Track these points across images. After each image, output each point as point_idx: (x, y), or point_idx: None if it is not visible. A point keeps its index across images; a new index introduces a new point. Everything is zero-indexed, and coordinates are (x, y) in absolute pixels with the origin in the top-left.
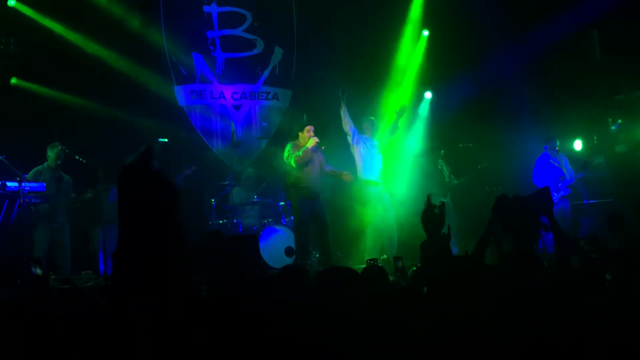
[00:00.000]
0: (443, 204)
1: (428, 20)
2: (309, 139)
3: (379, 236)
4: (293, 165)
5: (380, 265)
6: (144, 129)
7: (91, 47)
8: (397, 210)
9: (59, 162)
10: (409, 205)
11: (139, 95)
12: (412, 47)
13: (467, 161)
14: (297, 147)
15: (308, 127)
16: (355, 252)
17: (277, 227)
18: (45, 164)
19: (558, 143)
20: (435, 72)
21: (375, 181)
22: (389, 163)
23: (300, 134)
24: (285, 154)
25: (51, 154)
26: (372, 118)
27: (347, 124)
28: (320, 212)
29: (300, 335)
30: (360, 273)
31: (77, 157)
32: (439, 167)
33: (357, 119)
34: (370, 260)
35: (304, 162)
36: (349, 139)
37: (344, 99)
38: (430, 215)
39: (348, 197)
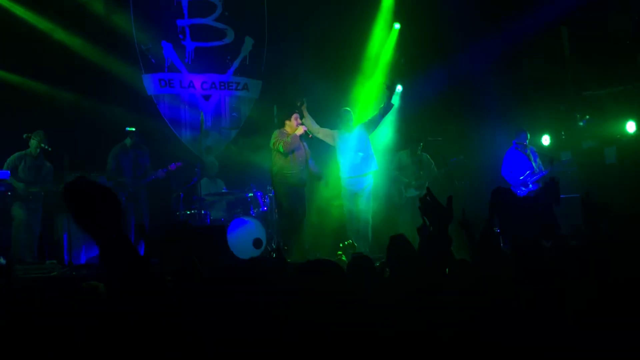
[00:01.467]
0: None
1: (400, 13)
2: (296, 127)
3: (354, 232)
4: (281, 151)
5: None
6: (112, 117)
7: (58, 33)
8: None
9: (38, 150)
10: (380, 198)
11: (107, 83)
12: (383, 40)
13: (436, 155)
14: (283, 134)
15: (295, 115)
16: (326, 246)
17: (246, 219)
18: (28, 150)
19: (528, 136)
20: (406, 65)
21: (353, 176)
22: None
23: (287, 122)
24: (272, 141)
25: (34, 141)
26: (347, 109)
27: (318, 131)
28: (301, 202)
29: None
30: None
31: (42, 144)
32: (418, 160)
33: (329, 111)
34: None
35: (291, 149)
36: (328, 141)
37: (304, 109)
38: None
39: (326, 191)
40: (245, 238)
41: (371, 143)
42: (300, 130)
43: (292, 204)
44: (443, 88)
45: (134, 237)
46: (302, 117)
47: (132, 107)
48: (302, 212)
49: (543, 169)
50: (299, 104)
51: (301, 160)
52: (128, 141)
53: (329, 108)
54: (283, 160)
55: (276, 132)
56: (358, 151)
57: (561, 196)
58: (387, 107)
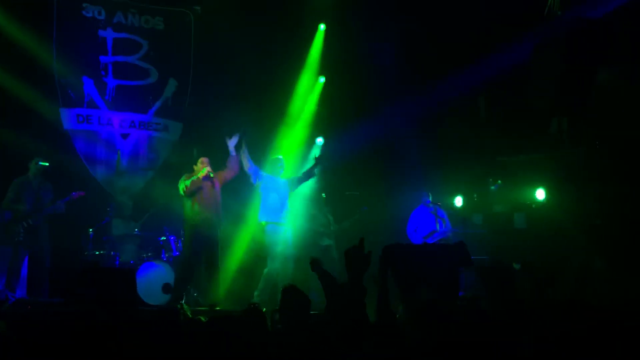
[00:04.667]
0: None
1: (326, 66)
2: (201, 169)
3: (270, 280)
4: (181, 193)
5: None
6: (25, 150)
7: None
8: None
9: None
10: (294, 246)
11: (22, 114)
12: (308, 92)
13: (352, 208)
14: (188, 177)
15: (202, 159)
16: (240, 292)
17: (156, 263)
18: None
19: (430, 196)
20: (329, 119)
21: (275, 222)
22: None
23: (194, 166)
24: (179, 184)
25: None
26: (281, 157)
27: (247, 165)
28: (210, 248)
29: None
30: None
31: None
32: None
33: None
34: (252, 304)
35: (191, 192)
36: (251, 179)
37: (245, 140)
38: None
39: (245, 236)
40: (154, 283)
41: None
42: (205, 172)
43: (190, 251)
44: (364, 144)
45: (28, 271)
46: (240, 147)
47: (47, 141)
48: (209, 257)
49: (451, 228)
50: (240, 133)
51: (208, 204)
52: (31, 173)
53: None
54: (189, 203)
55: (184, 176)
56: (283, 201)
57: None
58: (310, 173)
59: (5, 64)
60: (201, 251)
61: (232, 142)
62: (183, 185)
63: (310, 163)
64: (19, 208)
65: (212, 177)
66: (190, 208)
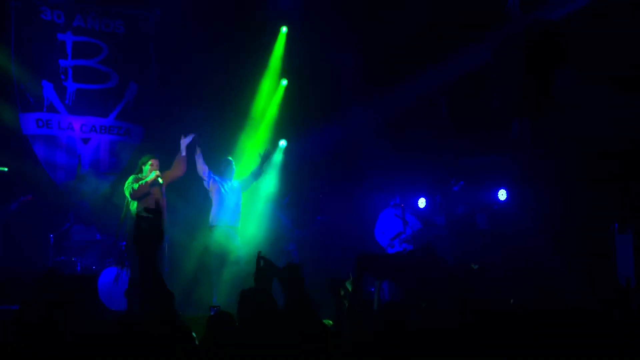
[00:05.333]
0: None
1: (289, 69)
2: (150, 172)
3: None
4: (127, 197)
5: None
6: None
7: None
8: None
9: None
10: (255, 249)
11: None
12: (270, 94)
13: (313, 211)
14: (137, 180)
15: (152, 161)
16: (194, 297)
17: (118, 268)
18: None
19: (398, 198)
20: (292, 121)
21: (228, 225)
22: (245, 206)
23: (143, 167)
24: (125, 186)
25: None
26: (230, 158)
27: (202, 168)
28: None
29: None
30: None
31: None
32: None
33: (214, 160)
34: (213, 306)
35: (137, 196)
36: (205, 183)
37: (200, 144)
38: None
39: (196, 240)
40: (116, 289)
41: (255, 193)
42: (154, 177)
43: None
44: (328, 146)
45: None
46: (193, 148)
47: (5, 146)
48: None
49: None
50: (195, 134)
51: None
52: None
53: (211, 157)
54: (134, 206)
55: (131, 178)
56: (236, 203)
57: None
58: (259, 172)
59: None
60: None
61: (184, 141)
62: (130, 188)
63: (256, 161)
64: None
65: (161, 184)
66: (137, 212)
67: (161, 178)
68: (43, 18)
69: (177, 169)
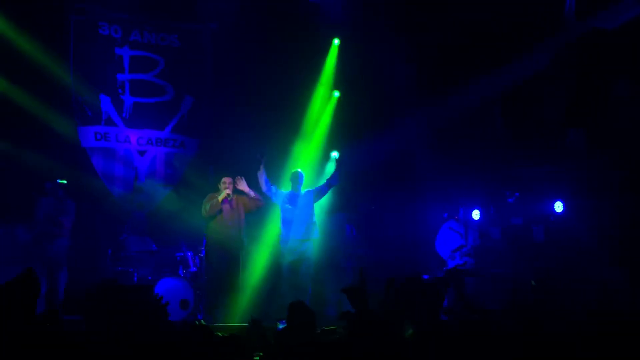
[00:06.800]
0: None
1: (341, 80)
2: (222, 191)
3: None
4: (203, 214)
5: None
6: (43, 168)
7: None
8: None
9: None
10: (322, 266)
11: (40, 133)
12: (323, 106)
13: (368, 224)
14: (211, 198)
15: (224, 179)
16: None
17: (174, 279)
18: None
19: (461, 211)
20: (344, 132)
21: (297, 239)
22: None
23: (218, 185)
24: (202, 205)
25: None
26: (299, 170)
27: (264, 186)
28: (230, 265)
29: None
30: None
31: None
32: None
33: (269, 173)
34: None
35: (211, 214)
36: (271, 199)
37: (263, 162)
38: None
39: (271, 254)
40: (172, 299)
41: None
42: (224, 195)
43: (218, 265)
44: (379, 157)
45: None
46: (259, 168)
47: (65, 159)
48: (232, 275)
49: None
50: (259, 156)
51: (230, 224)
52: (50, 192)
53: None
54: (212, 222)
55: (207, 196)
56: (304, 215)
57: (492, 271)
58: (334, 179)
59: (22, 83)
60: (220, 270)
61: (262, 176)
62: (203, 207)
63: (330, 171)
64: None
65: (230, 200)
66: (211, 227)
67: (231, 196)
68: (101, 33)
69: (252, 205)
